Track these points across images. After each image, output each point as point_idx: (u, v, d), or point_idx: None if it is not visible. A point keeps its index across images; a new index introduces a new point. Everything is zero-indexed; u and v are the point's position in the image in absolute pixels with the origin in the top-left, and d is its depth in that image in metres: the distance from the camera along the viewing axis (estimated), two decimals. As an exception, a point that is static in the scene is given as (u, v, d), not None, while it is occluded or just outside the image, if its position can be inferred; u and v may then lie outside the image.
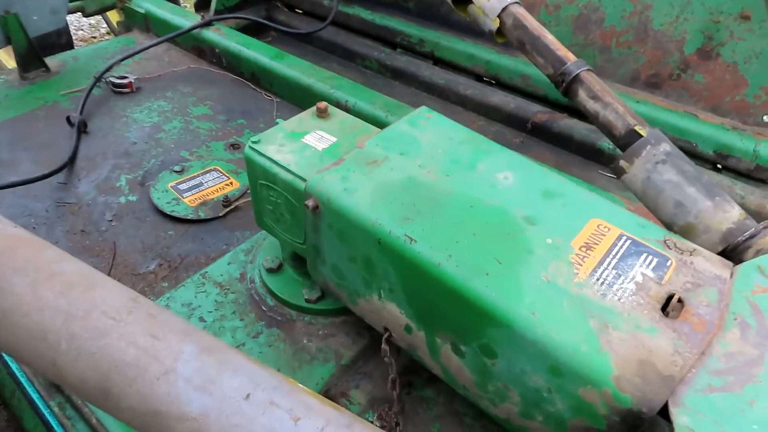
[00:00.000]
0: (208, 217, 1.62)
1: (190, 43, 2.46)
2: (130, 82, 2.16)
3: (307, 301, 1.23)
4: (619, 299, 0.78)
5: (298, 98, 2.13)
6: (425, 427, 1.08)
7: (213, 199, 1.68)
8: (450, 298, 0.84)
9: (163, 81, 2.28)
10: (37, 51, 2.18)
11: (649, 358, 0.71)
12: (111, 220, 1.61)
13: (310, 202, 0.98)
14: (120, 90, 2.16)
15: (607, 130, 1.16)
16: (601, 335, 0.74)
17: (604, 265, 0.83)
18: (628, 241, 0.87)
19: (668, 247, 0.87)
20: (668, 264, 0.83)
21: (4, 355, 1.19)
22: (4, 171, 1.74)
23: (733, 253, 0.97)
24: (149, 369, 0.59)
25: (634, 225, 0.90)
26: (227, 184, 1.74)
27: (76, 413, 1.03)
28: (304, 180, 1.01)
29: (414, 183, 0.97)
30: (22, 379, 1.13)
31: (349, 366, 1.16)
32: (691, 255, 0.86)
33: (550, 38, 1.27)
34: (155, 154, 1.87)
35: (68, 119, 1.91)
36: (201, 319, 1.21)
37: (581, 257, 0.84)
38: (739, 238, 0.96)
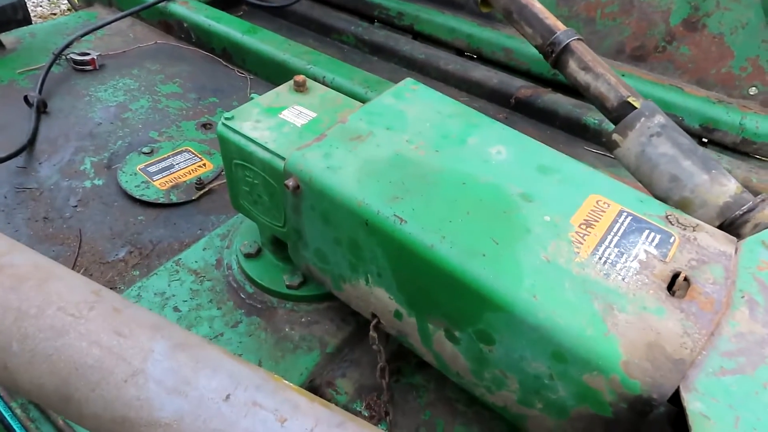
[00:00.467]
0: (181, 201, 1.54)
1: (156, 17, 2.34)
2: (93, 58, 2.04)
3: (288, 287, 1.18)
4: (623, 279, 0.74)
5: (273, 75, 2.04)
6: (416, 415, 1.03)
7: (185, 181, 1.59)
8: (444, 281, 0.79)
9: (129, 58, 2.16)
10: (-9, 27, 2.04)
11: (658, 340, 0.67)
12: (76, 206, 1.51)
13: (290, 182, 0.91)
14: (82, 67, 2.03)
15: (598, 102, 1.12)
16: (606, 318, 0.69)
17: (606, 243, 0.78)
18: (629, 218, 0.82)
19: (670, 222, 0.83)
20: (671, 241, 0.79)
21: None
22: (-44, 155, 1.62)
23: (730, 227, 0.94)
24: (115, 371, 0.53)
25: (634, 200, 0.86)
26: (200, 166, 1.65)
27: (41, 415, 0.96)
28: (283, 158, 0.94)
29: (402, 159, 0.91)
30: (-20, 380, 1.04)
31: (335, 354, 1.11)
32: (694, 231, 0.82)
33: (538, 6, 1.22)
34: (122, 135, 1.77)
35: (26, 99, 1.80)
36: (176, 309, 1.15)
37: (581, 235, 0.79)
38: (736, 212, 0.93)
